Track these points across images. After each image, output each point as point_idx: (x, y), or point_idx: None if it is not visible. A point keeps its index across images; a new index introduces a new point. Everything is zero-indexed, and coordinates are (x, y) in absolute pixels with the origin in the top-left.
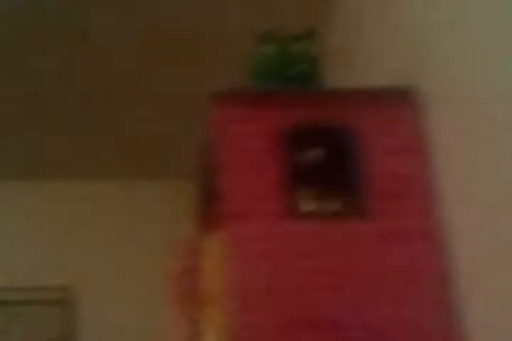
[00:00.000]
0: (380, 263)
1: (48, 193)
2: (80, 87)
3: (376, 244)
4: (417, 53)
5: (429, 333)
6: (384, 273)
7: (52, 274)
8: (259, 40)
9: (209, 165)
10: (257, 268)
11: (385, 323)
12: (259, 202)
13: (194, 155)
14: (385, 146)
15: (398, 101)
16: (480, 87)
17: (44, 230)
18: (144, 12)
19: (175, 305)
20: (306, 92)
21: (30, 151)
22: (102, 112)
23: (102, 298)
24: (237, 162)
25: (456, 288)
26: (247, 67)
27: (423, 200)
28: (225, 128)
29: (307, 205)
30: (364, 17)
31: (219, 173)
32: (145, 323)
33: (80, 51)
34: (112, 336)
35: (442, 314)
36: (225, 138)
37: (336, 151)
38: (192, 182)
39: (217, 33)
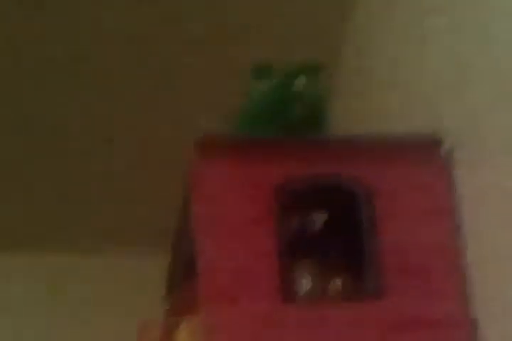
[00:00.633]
0: None
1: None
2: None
3: (390, 335)
4: (444, 97)
5: None
6: None
7: None
8: (252, 75)
9: (187, 233)
10: None
11: None
12: (248, 281)
13: (169, 219)
14: (407, 211)
15: (422, 154)
16: None
17: None
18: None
19: None
20: (309, 141)
21: None
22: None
23: None
24: (221, 229)
25: None
26: (237, 108)
27: (450, 279)
28: (206, 186)
29: (307, 283)
30: (381, 52)
31: (199, 243)
32: None
33: None
34: None
35: None
36: (205, 197)
37: (341, 216)
38: (165, 253)
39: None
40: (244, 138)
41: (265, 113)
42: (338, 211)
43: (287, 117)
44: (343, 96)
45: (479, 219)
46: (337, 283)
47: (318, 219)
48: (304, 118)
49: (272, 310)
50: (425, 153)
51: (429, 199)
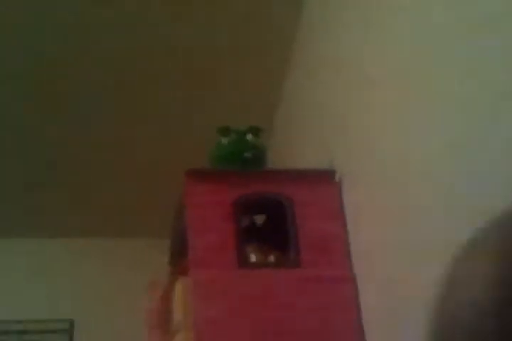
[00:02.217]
0: (301, 300)
1: (46, 249)
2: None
3: (305, 286)
4: (338, 143)
5: None
6: (302, 308)
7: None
8: (217, 133)
9: (181, 227)
10: (215, 304)
11: None
12: (218, 254)
13: (170, 218)
14: (313, 213)
15: (324, 179)
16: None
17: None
18: None
19: (152, 334)
20: (254, 172)
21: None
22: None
23: (97, 329)
24: (201, 224)
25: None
26: (210, 154)
27: (340, 254)
28: (193, 198)
29: (253, 257)
30: (298, 120)
31: (187, 233)
32: None
33: None
34: None
35: None
36: (193, 205)
37: (275, 217)
38: (167, 240)
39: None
40: (216, 171)
41: (228, 157)
42: (274, 214)
43: (242, 159)
44: (275, 147)
45: (357, 221)
46: (272, 257)
47: (260, 219)
48: (252, 160)
49: (232, 272)
50: (325, 179)
51: (328, 207)
